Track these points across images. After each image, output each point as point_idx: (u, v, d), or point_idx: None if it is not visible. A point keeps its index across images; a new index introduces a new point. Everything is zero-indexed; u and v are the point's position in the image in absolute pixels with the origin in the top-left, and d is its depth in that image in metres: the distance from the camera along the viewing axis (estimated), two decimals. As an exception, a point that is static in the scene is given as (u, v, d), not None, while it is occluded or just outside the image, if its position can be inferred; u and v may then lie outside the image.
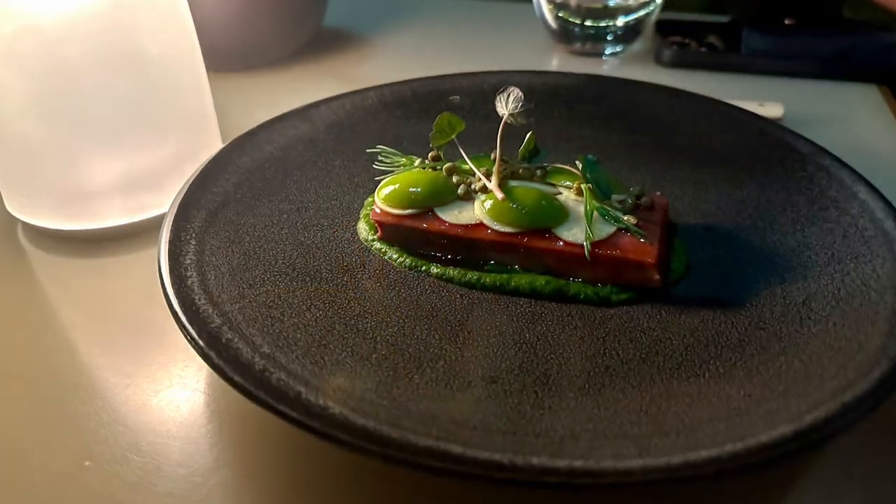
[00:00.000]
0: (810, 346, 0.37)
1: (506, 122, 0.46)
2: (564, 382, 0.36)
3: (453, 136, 0.48)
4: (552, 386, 0.36)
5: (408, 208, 0.46)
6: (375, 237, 0.48)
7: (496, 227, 0.44)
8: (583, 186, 0.45)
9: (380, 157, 0.50)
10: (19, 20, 0.46)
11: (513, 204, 0.44)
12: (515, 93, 0.46)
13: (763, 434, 0.31)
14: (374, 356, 0.38)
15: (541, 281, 0.43)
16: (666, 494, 0.34)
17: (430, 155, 0.49)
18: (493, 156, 0.48)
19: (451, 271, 0.45)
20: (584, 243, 0.42)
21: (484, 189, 0.46)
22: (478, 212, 0.45)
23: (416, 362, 0.37)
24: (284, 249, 0.46)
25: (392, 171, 0.49)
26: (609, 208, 0.44)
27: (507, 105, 0.46)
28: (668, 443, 0.31)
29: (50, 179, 0.51)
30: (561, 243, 0.43)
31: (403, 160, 0.50)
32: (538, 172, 0.47)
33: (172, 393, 0.41)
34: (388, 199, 0.46)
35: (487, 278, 0.44)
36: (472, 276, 0.44)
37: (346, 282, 0.44)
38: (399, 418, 0.32)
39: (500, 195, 0.44)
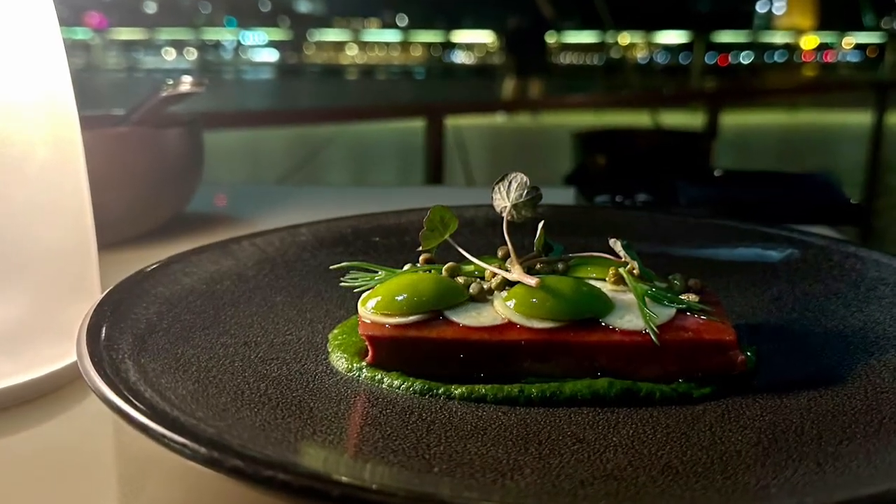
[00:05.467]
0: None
1: (508, 218, 0.47)
2: None
3: (447, 236, 0.47)
4: None
5: (410, 314, 0.43)
6: (363, 364, 0.43)
7: (532, 325, 0.42)
8: (621, 272, 0.45)
9: (348, 277, 0.47)
10: None
11: (548, 293, 0.42)
12: (519, 179, 0.47)
13: None
14: None
15: (602, 384, 0.41)
16: None
17: (421, 258, 0.47)
18: (499, 253, 0.48)
19: (482, 388, 0.41)
20: (648, 327, 0.41)
21: (501, 286, 0.44)
22: (502, 311, 0.43)
23: None
24: (247, 380, 0.40)
25: (367, 289, 0.46)
26: (660, 291, 0.44)
27: (508, 195, 0.47)
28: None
29: None
30: (617, 335, 0.41)
31: (382, 273, 0.47)
32: (560, 266, 0.47)
33: None
34: (384, 305, 0.43)
35: (534, 389, 0.40)
36: (511, 389, 0.40)
37: (343, 413, 0.39)
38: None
39: (532, 281, 0.43)
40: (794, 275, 0.55)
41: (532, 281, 0.43)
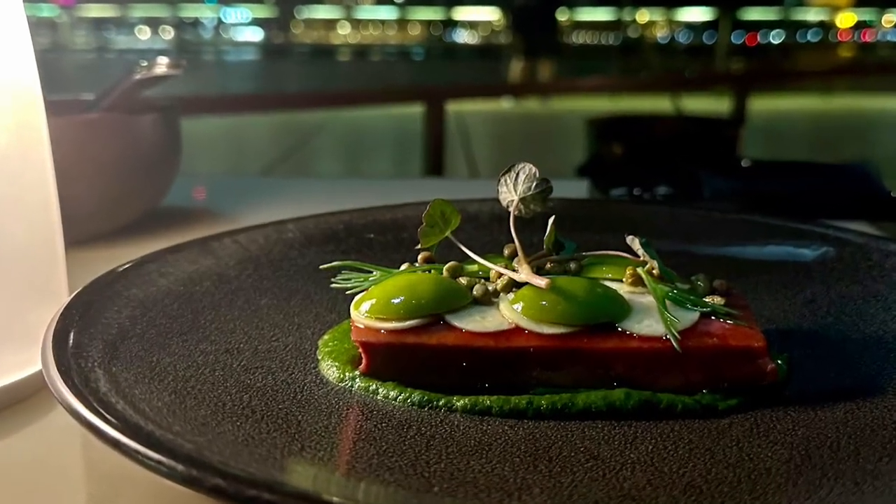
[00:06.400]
0: None
1: (515, 213, 0.47)
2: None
3: (448, 233, 0.48)
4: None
5: (408, 318, 0.43)
6: (356, 373, 0.43)
7: (542, 330, 0.42)
8: (640, 272, 0.45)
9: (339, 278, 0.48)
10: None
11: (560, 295, 0.42)
12: (527, 170, 0.47)
13: None
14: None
15: (619, 395, 0.41)
16: None
17: (420, 257, 0.48)
18: (506, 252, 0.48)
19: (486, 399, 0.41)
20: (668, 333, 0.41)
21: (508, 288, 0.45)
22: (509, 314, 0.43)
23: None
24: (229, 391, 0.41)
25: (361, 290, 0.46)
26: (682, 293, 0.44)
27: (516, 188, 0.47)
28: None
29: None
30: (634, 341, 0.42)
31: (377, 273, 0.47)
32: (572, 265, 0.47)
33: None
34: (380, 309, 0.43)
35: (543, 401, 0.40)
36: (518, 400, 0.41)
37: (334, 427, 0.39)
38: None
39: (541, 282, 0.43)
40: (830, 275, 0.56)
41: (542, 282, 0.43)
